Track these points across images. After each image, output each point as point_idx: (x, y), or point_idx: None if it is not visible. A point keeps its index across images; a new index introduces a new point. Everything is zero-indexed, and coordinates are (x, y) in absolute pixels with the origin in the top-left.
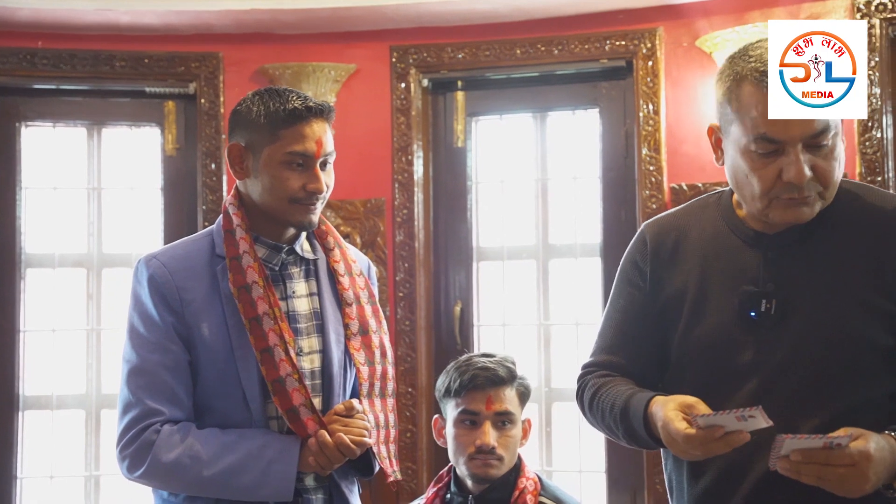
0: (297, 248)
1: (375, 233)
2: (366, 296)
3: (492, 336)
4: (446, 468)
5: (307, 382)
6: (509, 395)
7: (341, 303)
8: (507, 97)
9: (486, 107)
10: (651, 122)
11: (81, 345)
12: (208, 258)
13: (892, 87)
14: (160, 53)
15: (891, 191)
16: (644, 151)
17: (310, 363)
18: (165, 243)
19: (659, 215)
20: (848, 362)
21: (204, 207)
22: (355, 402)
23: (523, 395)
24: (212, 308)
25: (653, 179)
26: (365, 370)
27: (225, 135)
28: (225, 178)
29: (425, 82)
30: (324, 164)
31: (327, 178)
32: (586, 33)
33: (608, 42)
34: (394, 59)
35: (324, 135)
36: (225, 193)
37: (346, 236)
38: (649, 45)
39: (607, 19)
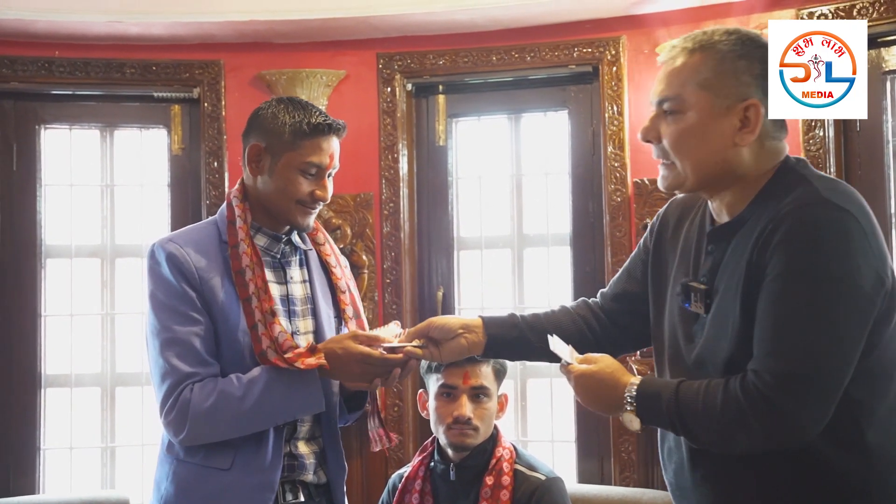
0: (294, 239)
1: (364, 224)
2: (352, 285)
3: None
4: (430, 439)
5: None
6: (485, 372)
7: (335, 290)
8: (485, 100)
9: (465, 109)
10: (615, 122)
11: (97, 328)
12: (217, 243)
13: None
14: (166, 61)
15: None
16: (609, 149)
17: (304, 342)
18: None
19: (683, 196)
20: (728, 359)
21: (207, 202)
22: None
23: (499, 373)
24: (224, 286)
25: (617, 175)
26: None
27: (226, 135)
28: (227, 175)
29: (409, 86)
30: (329, 176)
31: (330, 188)
32: (556, 41)
33: (576, 49)
34: (380, 66)
35: (335, 150)
36: (227, 189)
37: (337, 228)
38: (613, 53)
39: (575, 28)
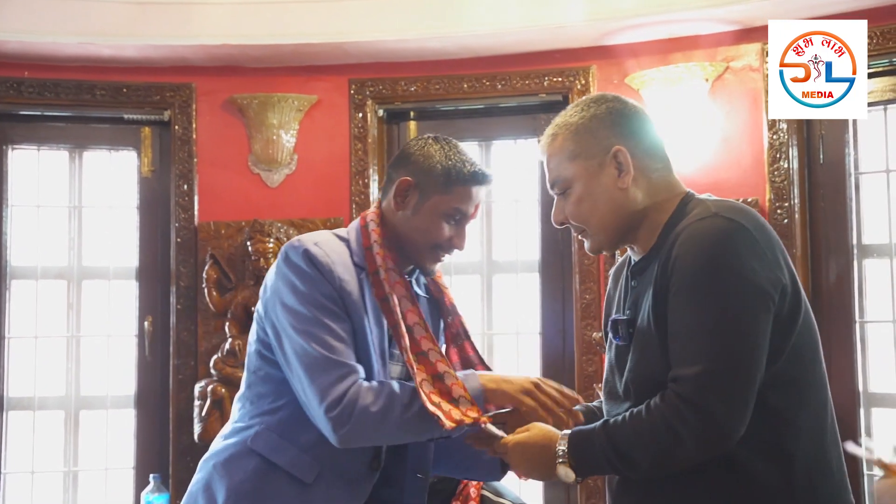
0: (413, 282)
1: None
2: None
3: None
4: None
5: None
6: None
7: (453, 339)
8: (455, 127)
9: None
10: None
11: (62, 350)
12: (352, 263)
13: (796, 122)
14: (137, 83)
15: (773, 216)
16: None
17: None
18: (141, 258)
19: (617, 265)
20: (651, 380)
21: (177, 224)
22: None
23: None
24: (359, 309)
25: None
26: None
27: (196, 158)
28: (196, 198)
29: (381, 112)
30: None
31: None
32: (527, 70)
33: (546, 78)
34: (352, 91)
35: (481, 200)
36: (196, 212)
37: None
38: (583, 82)
39: (546, 58)
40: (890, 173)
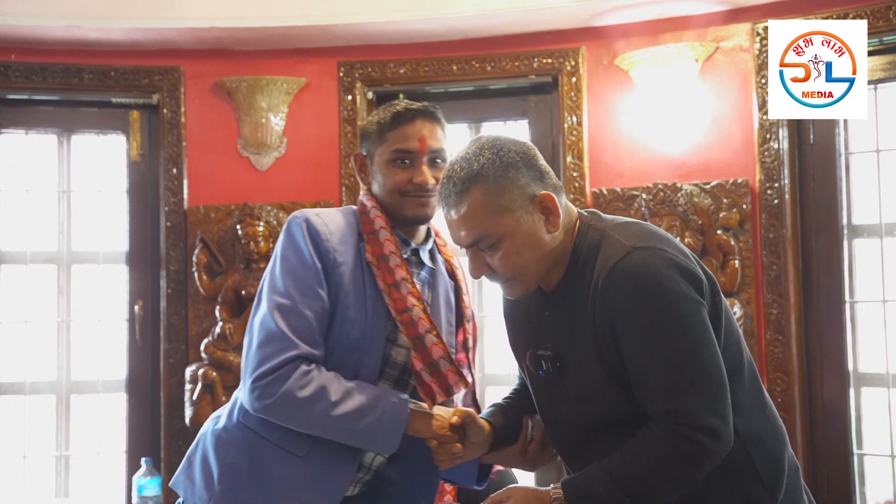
0: (422, 252)
1: None
2: (471, 314)
3: None
4: None
5: (388, 369)
6: (439, 132)
7: (462, 318)
8: (445, 109)
9: None
10: (574, 132)
11: (52, 335)
12: (356, 232)
13: None
14: (126, 67)
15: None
16: (569, 159)
17: (396, 354)
18: (131, 243)
19: None
20: (602, 416)
21: (166, 209)
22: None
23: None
24: (355, 276)
25: (577, 185)
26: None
27: (185, 142)
28: (186, 181)
29: (370, 95)
30: (432, 161)
31: (436, 174)
32: (516, 52)
33: (536, 60)
34: (341, 74)
35: (427, 132)
36: (185, 196)
37: None
38: (573, 63)
39: (535, 39)
40: (880, 153)
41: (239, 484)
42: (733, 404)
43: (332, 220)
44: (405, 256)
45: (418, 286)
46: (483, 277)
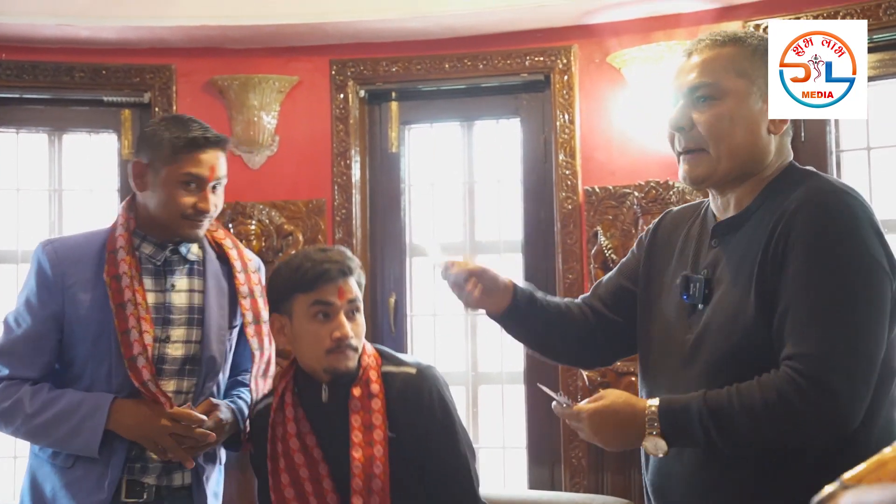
0: (182, 249)
1: (317, 231)
2: (259, 290)
3: (423, 325)
4: (289, 363)
5: (167, 367)
6: (352, 284)
7: (237, 295)
8: (437, 107)
9: (417, 116)
10: (567, 130)
11: None
12: (99, 248)
13: None
14: (117, 65)
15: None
16: (561, 157)
17: (174, 350)
18: None
19: (677, 209)
20: (734, 347)
21: None
22: (221, 412)
23: (360, 284)
24: (93, 291)
25: (568, 183)
26: (257, 355)
27: None
28: None
29: (362, 93)
30: (214, 188)
31: (216, 200)
32: (508, 50)
33: (528, 58)
34: (333, 72)
35: (216, 162)
36: None
37: (289, 234)
38: (565, 61)
39: (527, 37)
40: (871, 151)
41: None
42: (873, 409)
43: (64, 244)
44: (163, 260)
45: (184, 282)
46: None
